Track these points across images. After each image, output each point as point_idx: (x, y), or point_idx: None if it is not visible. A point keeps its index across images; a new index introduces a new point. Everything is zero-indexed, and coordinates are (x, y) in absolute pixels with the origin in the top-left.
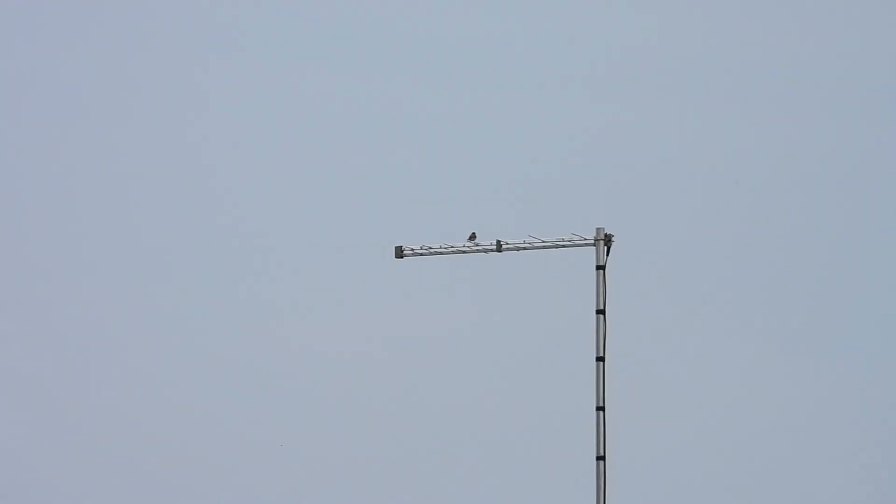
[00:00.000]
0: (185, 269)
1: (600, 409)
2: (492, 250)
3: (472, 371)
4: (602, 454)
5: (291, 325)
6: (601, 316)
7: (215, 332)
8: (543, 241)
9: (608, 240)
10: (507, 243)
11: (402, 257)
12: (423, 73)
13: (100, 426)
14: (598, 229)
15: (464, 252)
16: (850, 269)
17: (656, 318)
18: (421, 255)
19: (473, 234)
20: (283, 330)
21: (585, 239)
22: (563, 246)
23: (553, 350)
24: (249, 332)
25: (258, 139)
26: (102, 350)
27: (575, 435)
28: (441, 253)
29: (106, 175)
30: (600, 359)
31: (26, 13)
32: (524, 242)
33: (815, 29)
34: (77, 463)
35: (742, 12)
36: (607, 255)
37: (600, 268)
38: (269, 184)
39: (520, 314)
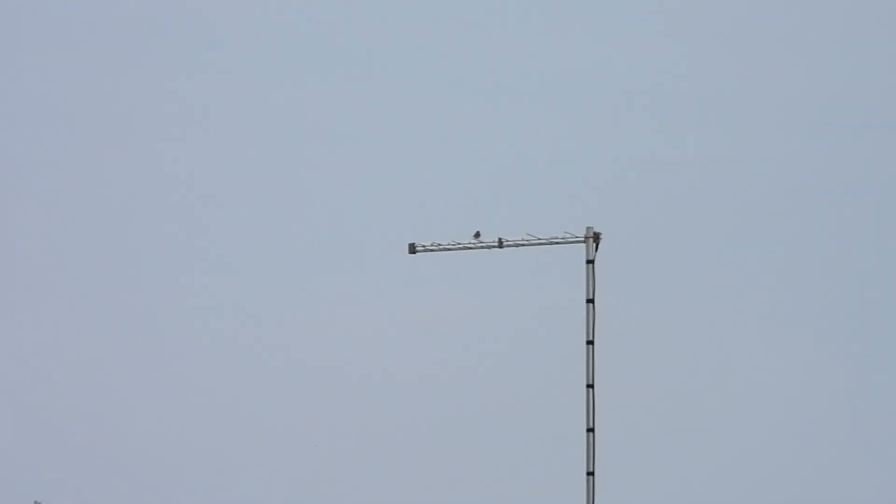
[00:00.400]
0: (215, 262)
1: (590, 386)
2: (494, 246)
3: (475, 351)
4: (592, 426)
5: (317, 312)
6: (591, 304)
7: (245, 319)
8: (539, 239)
9: (597, 237)
10: (508, 240)
11: (414, 253)
12: (431, 85)
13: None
14: (587, 227)
15: (469, 248)
16: (826, 257)
17: (640, 306)
18: (431, 250)
19: (478, 232)
20: (310, 318)
21: (577, 237)
22: (557, 243)
23: (548, 334)
24: (280, 320)
25: (284, 146)
26: (131, 346)
27: (566, 409)
28: (449, 249)
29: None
30: (590, 342)
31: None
32: (522, 240)
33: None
34: (81, 462)
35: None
36: (596, 250)
37: (590, 262)
38: (298, 186)
39: (518, 303)
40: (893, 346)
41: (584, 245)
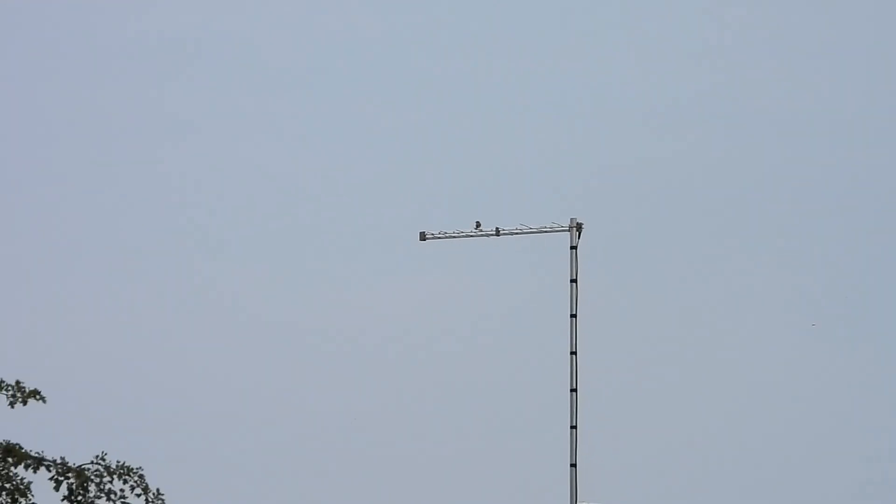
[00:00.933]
0: (237, 248)
1: (573, 353)
2: (492, 235)
3: (476, 324)
4: (575, 387)
5: (337, 293)
6: (574, 284)
7: (267, 301)
8: (531, 228)
9: (579, 227)
10: (504, 229)
11: (424, 240)
12: (434, 89)
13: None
14: (571, 218)
15: (471, 236)
16: (805, 244)
17: (617, 285)
18: (439, 238)
19: (478, 222)
20: (330, 298)
21: (562, 226)
22: (546, 231)
23: (537, 309)
24: (300, 303)
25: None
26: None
27: (553, 371)
28: (454, 237)
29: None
30: (573, 315)
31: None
32: (516, 229)
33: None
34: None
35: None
36: (578, 238)
37: (573, 248)
38: (322, 180)
39: (512, 283)
40: (868, 324)
41: (568, 233)
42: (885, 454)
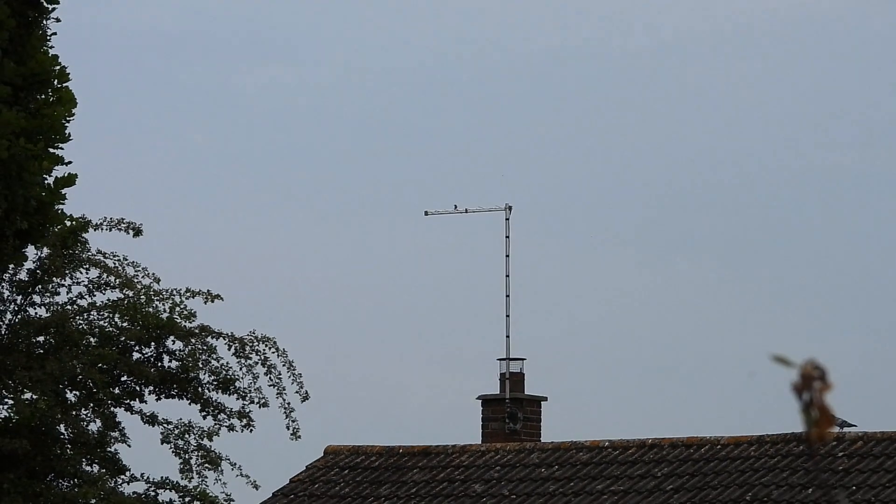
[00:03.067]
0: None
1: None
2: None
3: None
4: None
5: (353, 259)
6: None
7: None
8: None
9: (509, 208)
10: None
11: (427, 216)
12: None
13: None
14: (505, 202)
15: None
16: None
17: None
18: (441, 214)
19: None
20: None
21: (499, 207)
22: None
23: None
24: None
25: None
26: None
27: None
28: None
29: None
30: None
31: None
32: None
33: None
34: None
35: None
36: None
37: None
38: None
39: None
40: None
41: (503, 213)
42: None
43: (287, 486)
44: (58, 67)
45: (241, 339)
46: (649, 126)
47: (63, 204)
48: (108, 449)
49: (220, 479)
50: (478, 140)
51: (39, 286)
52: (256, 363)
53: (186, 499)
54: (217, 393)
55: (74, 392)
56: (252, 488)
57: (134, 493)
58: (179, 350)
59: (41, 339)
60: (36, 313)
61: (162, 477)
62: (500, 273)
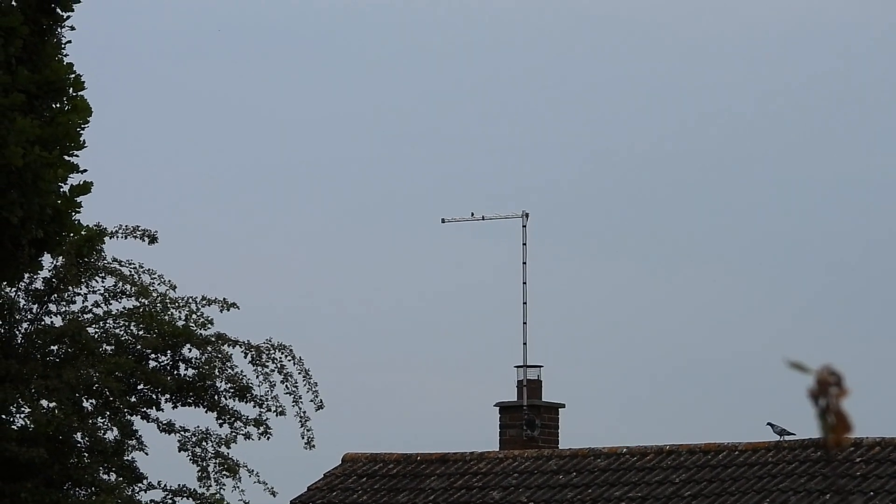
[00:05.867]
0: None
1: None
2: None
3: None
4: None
5: (370, 267)
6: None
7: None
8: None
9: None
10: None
11: (444, 223)
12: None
13: None
14: (522, 210)
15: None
16: None
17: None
18: (458, 222)
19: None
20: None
21: (516, 214)
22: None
23: None
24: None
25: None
26: None
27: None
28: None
29: None
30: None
31: None
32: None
33: None
34: None
35: None
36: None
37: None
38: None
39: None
40: None
41: (520, 220)
42: None
43: (305, 493)
44: (72, 75)
45: (258, 346)
46: (667, 133)
47: (79, 212)
48: (126, 457)
49: (237, 487)
50: (495, 148)
51: (55, 295)
52: (273, 371)
53: None
54: (234, 401)
55: (91, 400)
56: (270, 495)
57: (151, 500)
58: (196, 358)
59: (57, 347)
60: (52, 322)
61: (179, 485)
62: (517, 280)
